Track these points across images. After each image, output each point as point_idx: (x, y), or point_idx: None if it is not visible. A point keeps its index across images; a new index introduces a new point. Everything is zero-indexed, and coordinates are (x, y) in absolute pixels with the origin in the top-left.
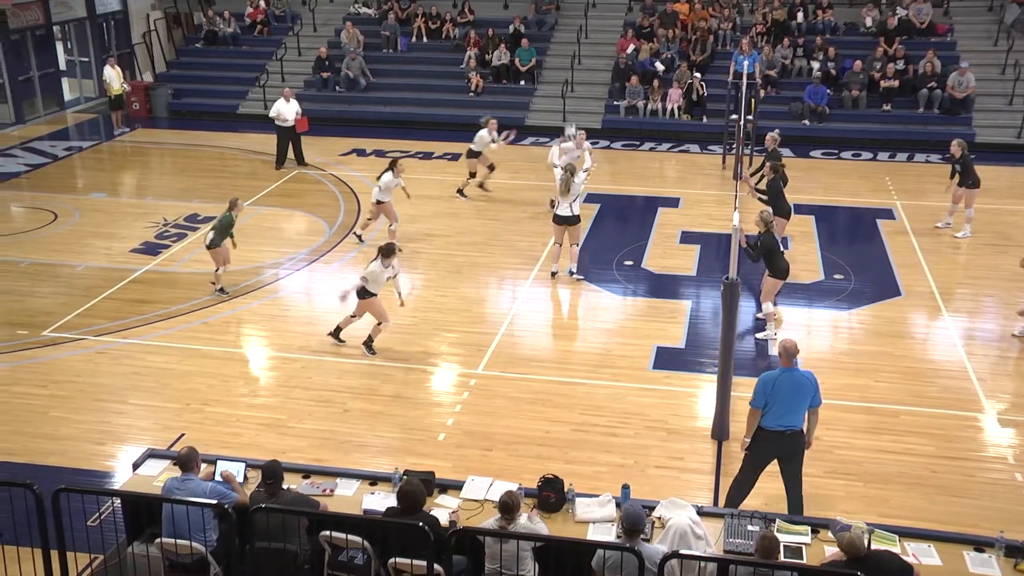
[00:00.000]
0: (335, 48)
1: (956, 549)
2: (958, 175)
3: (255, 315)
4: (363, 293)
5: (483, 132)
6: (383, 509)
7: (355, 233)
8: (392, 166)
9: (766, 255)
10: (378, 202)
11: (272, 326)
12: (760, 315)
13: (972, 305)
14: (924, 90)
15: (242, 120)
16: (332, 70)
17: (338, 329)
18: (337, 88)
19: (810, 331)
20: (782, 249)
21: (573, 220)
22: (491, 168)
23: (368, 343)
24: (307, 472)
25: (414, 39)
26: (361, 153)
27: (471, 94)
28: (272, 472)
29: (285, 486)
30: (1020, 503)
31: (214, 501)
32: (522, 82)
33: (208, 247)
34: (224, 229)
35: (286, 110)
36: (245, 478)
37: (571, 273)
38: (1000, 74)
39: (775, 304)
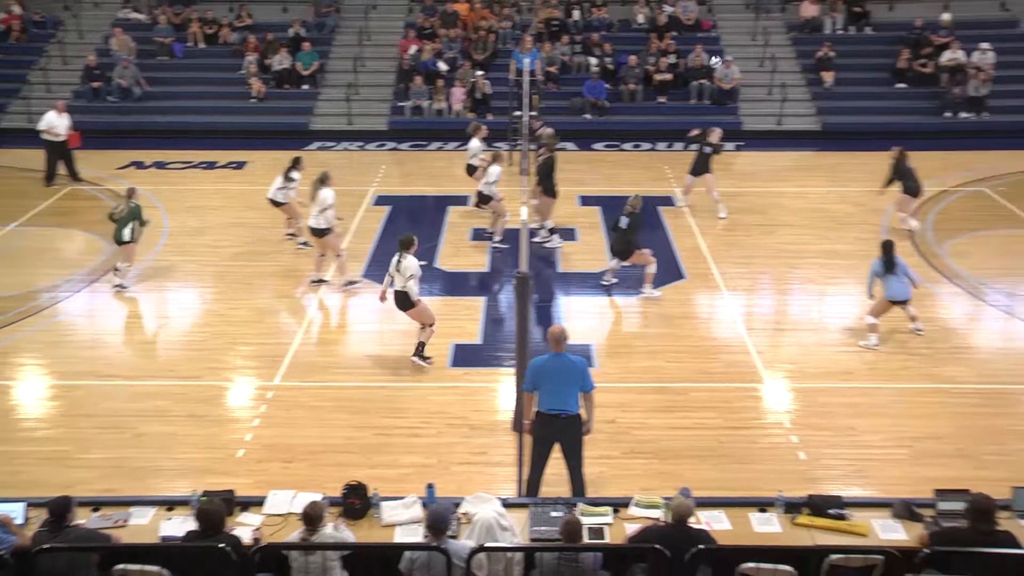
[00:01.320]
0: (105, 56)
1: (743, 512)
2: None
3: (32, 342)
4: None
5: (474, 142)
6: (182, 534)
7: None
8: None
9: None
10: (276, 203)
11: (52, 353)
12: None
13: (748, 283)
14: (695, 82)
15: (4, 135)
16: (103, 79)
17: (420, 345)
18: (110, 98)
19: (603, 318)
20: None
21: (319, 232)
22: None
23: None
24: (96, 504)
25: (190, 45)
26: (140, 166)
27: (253, 100)
28: (55, 509)
29: (78, 521)
30: (796, 463)
31: None
32: (305, 86)
33: (126, 242)
34: (135, 220)
35: (58, 123)
36: (26, 519)
37: (318, 281)
38: (759, 67)
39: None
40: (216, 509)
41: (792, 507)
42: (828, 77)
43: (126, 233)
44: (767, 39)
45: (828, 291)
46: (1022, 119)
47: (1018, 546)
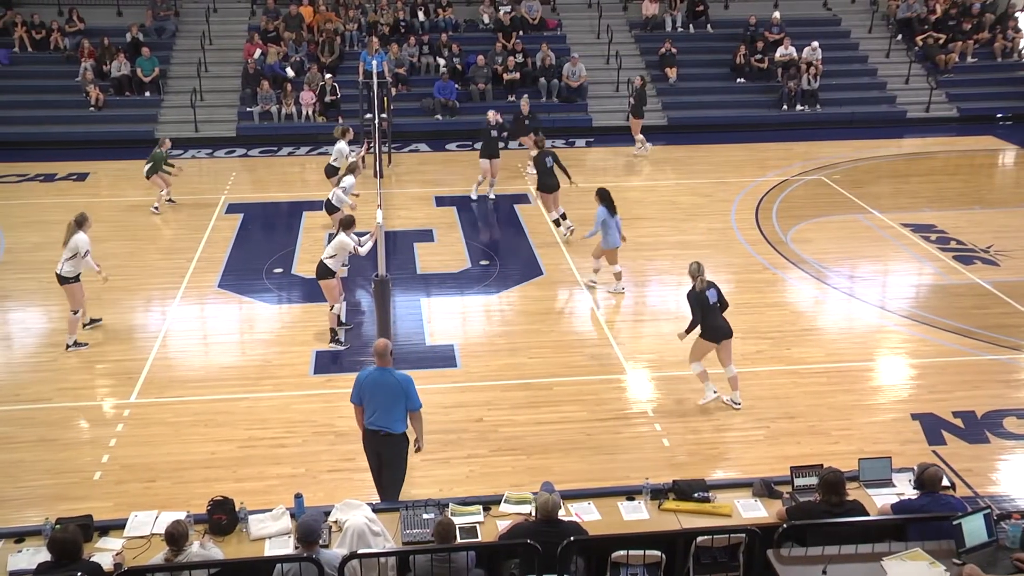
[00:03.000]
0: None
1: (611, 501)
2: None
3: None
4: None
5: (341, 144)
6: (34, 567)
7: None
8: None
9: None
10: None
11: None
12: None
13: (606, 277)
14: (543, 80)
15: None
16: None
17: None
18: None
19: (465, 318)
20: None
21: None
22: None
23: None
24: None
25: (16, 50)
26: None
27: (92, 108)
28: None
29: None
30: (660, 450)
31: None
32: (147, 93)
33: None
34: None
35: None
36: None
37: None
38: (605, 64)
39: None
40: (71, 537)
41: (658, 493)
42: (672, 73)
43: (146, 168)
44: (611, 36)
45: (684, 281)
46: (849, 111)
47: (866, 514)
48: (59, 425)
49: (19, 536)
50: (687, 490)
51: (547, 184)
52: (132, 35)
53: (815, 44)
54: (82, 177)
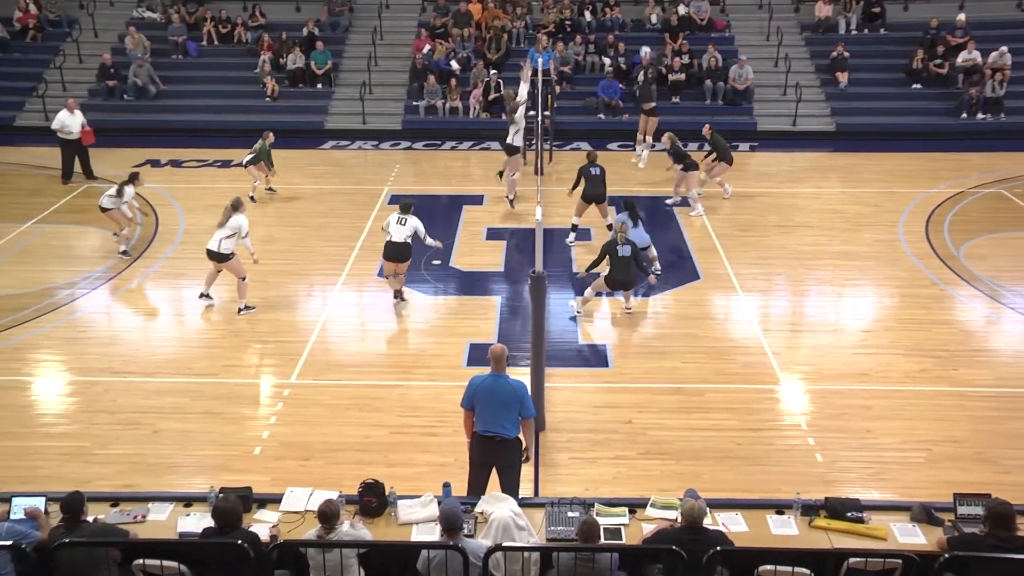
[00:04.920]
0: (120, 55)
1: (760, 514)
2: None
3: (50, 339)
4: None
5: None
6: (200, 531)
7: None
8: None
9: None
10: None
11: (69, 349)
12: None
13: (764, 284)
14: (708, 82)
15: (20, 133)
16: (118, 78)
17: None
18: (125, 96)
19: (619, 318)
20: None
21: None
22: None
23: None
24: (115, 500)
25: (204, 44)
26: (156, 164)
27: (267, 99)
28: (70, 505)
29: (91, 517)
30: (813, 465)
31: (10, 543)
32: (319, 85)
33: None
34: (261, 155)
35: (70, 122)
36: (46, 513)
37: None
38: (774, 67)
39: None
40: (233, 506)
41: (809, 509)
42: (842, 77)
43: (247, 158)
44: (781, 39)
45: (844, 292)
46: None
47: None
48: (225, 399)
49: (187, 501)
50: (840, 508)
51: (594, 194)
52: (308, 29)
53: (1003, 49)
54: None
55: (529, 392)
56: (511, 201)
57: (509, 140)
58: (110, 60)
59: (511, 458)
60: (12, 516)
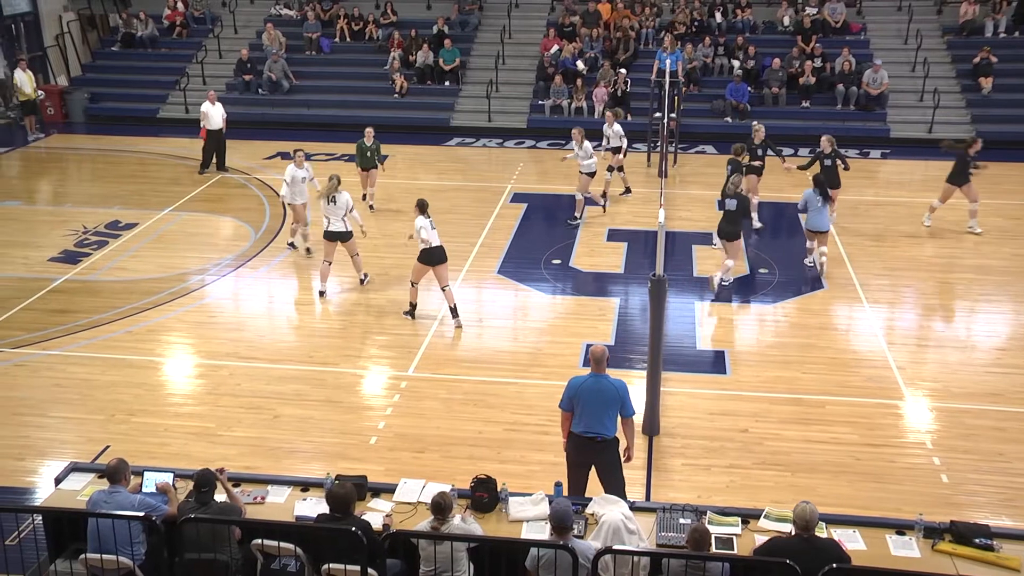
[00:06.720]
0: (256, 50)
1: (879, 533)
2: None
3: (181, 322)
4: None
5: (617, 126)
6: (315, 515)
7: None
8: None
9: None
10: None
11: (199, 333)
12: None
13: (891, 296)
14: (840, 86)
15: (163, 124)
16: (254, 72)
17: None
18: (260, 91)
19: (738, 325)
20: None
21: (346, 236)
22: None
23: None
24: (237, 481)
25: (337, 40)
26: (286, 156)
27: (396, 95)
28: (206, 480)
29: (218, 496)
30: (938, 486)
31: (142, 514)
32: (446, 83)
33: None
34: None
35: (212, 113)
36: (174, 488)
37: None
38: (911, 71)
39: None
40: (347, 493)
41: (932, 532)
42: (986, 83)
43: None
44: (920, 42)
45: (978, 308)
46: None
47: None
48: (344, 389)
49: (305, 485)
50: (967, 533)
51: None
52: (438, 27)
53: None
54: (381, 159)
55: (630, 392)
56: (575, 220)
57: (584, 170)
58: (247, 55)
59: (610, 457)
60: (144, 489)
